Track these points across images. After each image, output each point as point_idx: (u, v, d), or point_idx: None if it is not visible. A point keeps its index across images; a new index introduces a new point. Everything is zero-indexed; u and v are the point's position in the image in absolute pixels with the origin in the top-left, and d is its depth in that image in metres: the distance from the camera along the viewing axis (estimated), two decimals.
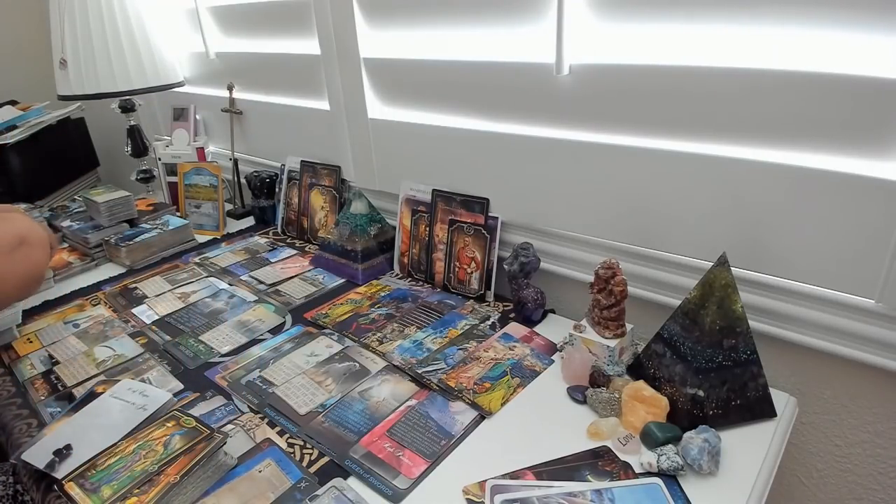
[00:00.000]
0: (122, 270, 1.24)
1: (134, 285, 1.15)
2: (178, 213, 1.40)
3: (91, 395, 0.80)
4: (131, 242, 1.24)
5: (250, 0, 1.30)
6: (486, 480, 0.65)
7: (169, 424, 0.71)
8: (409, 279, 1.12)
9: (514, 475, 0.66)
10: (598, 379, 0.77)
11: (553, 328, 0.94)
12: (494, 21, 0.91)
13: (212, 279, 1.16)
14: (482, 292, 1.02)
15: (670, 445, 0.66)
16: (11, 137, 1.57)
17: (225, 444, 0.68)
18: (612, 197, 0.88)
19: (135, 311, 1.06)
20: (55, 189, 1.74)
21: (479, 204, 1.02)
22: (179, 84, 1.47)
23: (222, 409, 0.79)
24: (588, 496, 0.62)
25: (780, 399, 0.74)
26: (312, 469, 0.68)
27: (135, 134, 1.51)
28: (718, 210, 0.78)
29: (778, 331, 0.79)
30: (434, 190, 1.07)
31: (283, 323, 1.00)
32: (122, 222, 1.32)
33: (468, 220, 1.03)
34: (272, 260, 1.24)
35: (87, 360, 0.92)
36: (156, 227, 1.30)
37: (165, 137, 1.63)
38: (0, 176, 1.57)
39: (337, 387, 0.82)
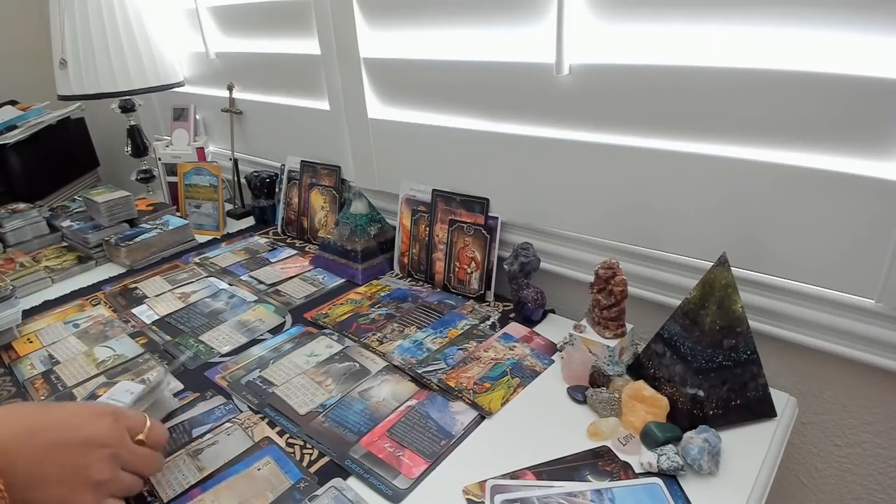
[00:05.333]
0: (122, 270, 1.24)
1: (134, 285, 1.15)
2: (178, 213, 1.40)
3: (92, 398, 0.80)
4: (131, 242, 1.24)
5: (250, 0, 1.30)
6: (486, 480, 0.65)
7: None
8: (409, 279, 1.12)
9: (514, 475, 0.66)
10: (598, 379, 0.77)
11: (553, 328, 0.94)
12: (494, 21, 0.91)
13: (212, 279, 1.16)
14: (482, 292, 1.02)
15: (670, 445, 0.66)
16: (11, 137, 1.57)
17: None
18: (613, 197, 0.88)
19: (135, 311, 1.06)
20: (55, 189, 1.73)
21: (479, 204, 1.02)
22: (179, 84, 1.47)
23: (221, 409, 0.79)
24: (588, 496, 0.62)
25: (780, 399, 0.74)
26: (312, 469, 0.68)
27: (135, 134, 1.51)
28: (718, 210, 0.78)
29: (778, 331, 0.79)
30: (434, 190, 1.07)
31: (283, 323, 1.00)
32: (122, 222, 1.32)
33: (468, 220, 1.03)
34: (272, 260, 1.24)
35: (87, 360, 0.92)
36: (156, 227, 1.30)
37: (165, 137, 1.63)
38: (0, 176, 1.57)
39: (337, 387, 0.82)
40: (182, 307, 1.06)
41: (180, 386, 0.71)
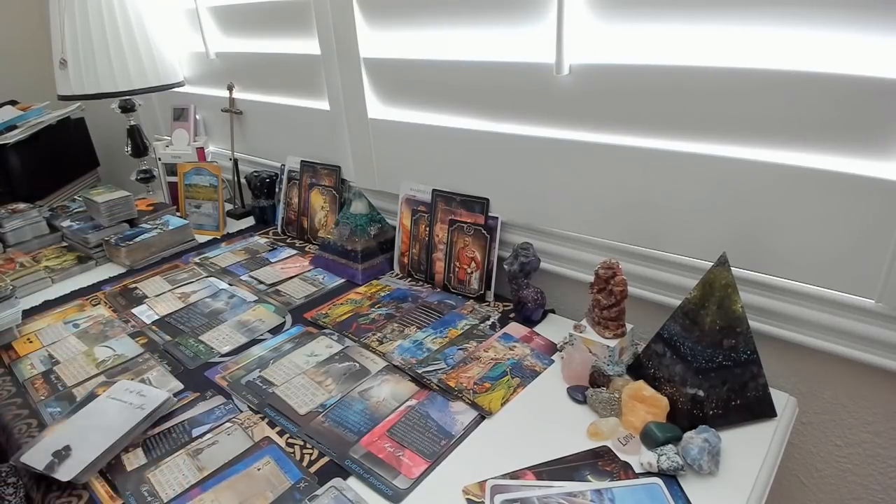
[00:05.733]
0: (122, 270, 1.24)
1: (134, 285, 1.15)
2: (178, 213, 1.40)
3: (90, 397, 0.80)
4: (131, 242, 1.24)
5: (250, 0, 1.30)
6: (486, 480, 0.65)
7: None
8: (409, 279, 1.12)
9: (514, 475, 0.66)
10: (598, 379, 0.77)
11: (553, 328, 0.94)
12: (494, 21, 0.91)
13: (212, 279, 1.16)
14: (482, 292, 1.02)
15: (670, 445, 0.66)
16: (11, 137, 1.57)
17: None
18: (613, 197, 0.88)
19: (135, 311, 1.06)
20: (55, 189, 1.74)
21: (479, 204, 1.02)
22: (179, 84, 1.47)
23: (221, 409, 0.79)
24: (588, 496, 0.62)
25: (780, 399, 0.74)
26: (312, 469, 0.68)
27: (135, 134, 1.51)
28: (718, 210, 0.78)
29: (778, 331, 0.79)
30: (434, 190, 1.07)
31: (283, 323, 1.00)
32: (122, 222, 1.32)
33: (468, 220, 1.03)
34: (272, 260, 1.24)
35: (87, 360, 0.92)
36: (156, 227, 1.30)
37: (165, 137, 1.63)
38: (0, 176, 1.57)
39: (337, 387, 0.82)
40: (182, 307, 1.06)
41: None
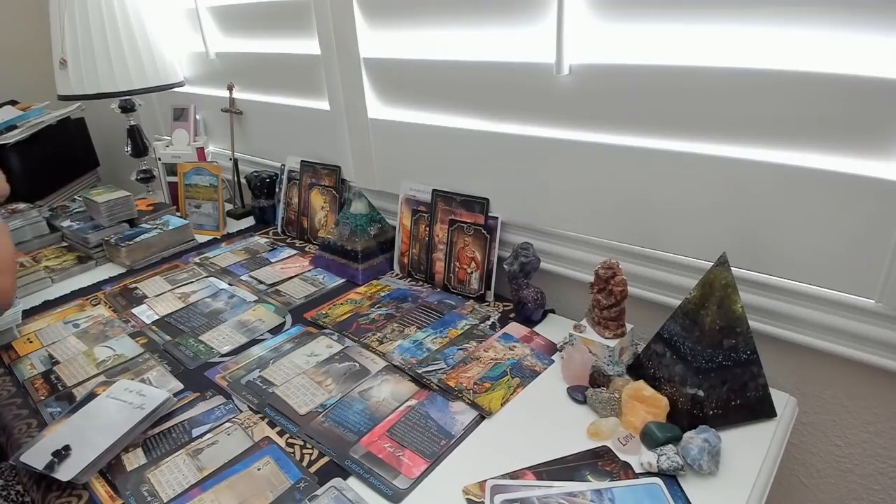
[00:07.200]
0: (122, 270, 1.24)
1: (134, 285, 1.15)
2: (178, 213, 1.40)
3: (90, 397, 0.80)
4: (131, 242, 1.24)
5: (250, 0, 1.30)
6: (486, 480, 0.65)
7: None
8: (409, 279, 1.12)
9: (514, 475, 0.66)
10: (598, 379, 0.77)
11: (553, 328, 0.94)
12: (494, 21, 0.91)
13: (212, 279, 1.16)
14: (482, 292, 1.02)
15: (670, 445, 0.66)
16: (11, 137, 1.57)
17: None
18: (613, 197, 0.88)
19: (135, 311, 1.06)
20: (55, 189, 1.74)
21: (479, 204, 1.02)
22: (179, 84, 1.47)
23: (221, 409, 0.79)
24: (588, 496, 0.62)
25: (780, 399, 0.74)
26: (312, 469, 0.68)
27: (135, 134, 1.51)
28: (718, 210, 0.78)
29: (778, 331, 0.79)
30: (434, 190, 1.07)
31: (283, 323, 1.00)
32: (122, 222, 1.32)
33: (468, 220, 1.03)
34: (272, 260, 1.24)
35: (87, 360, 0.92)
36: (156, 227, 1.30)
37: (165, 137, 1.63)
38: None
39: (337, 387, 0.82)
40: (182, 307, 1.06)
41: None
